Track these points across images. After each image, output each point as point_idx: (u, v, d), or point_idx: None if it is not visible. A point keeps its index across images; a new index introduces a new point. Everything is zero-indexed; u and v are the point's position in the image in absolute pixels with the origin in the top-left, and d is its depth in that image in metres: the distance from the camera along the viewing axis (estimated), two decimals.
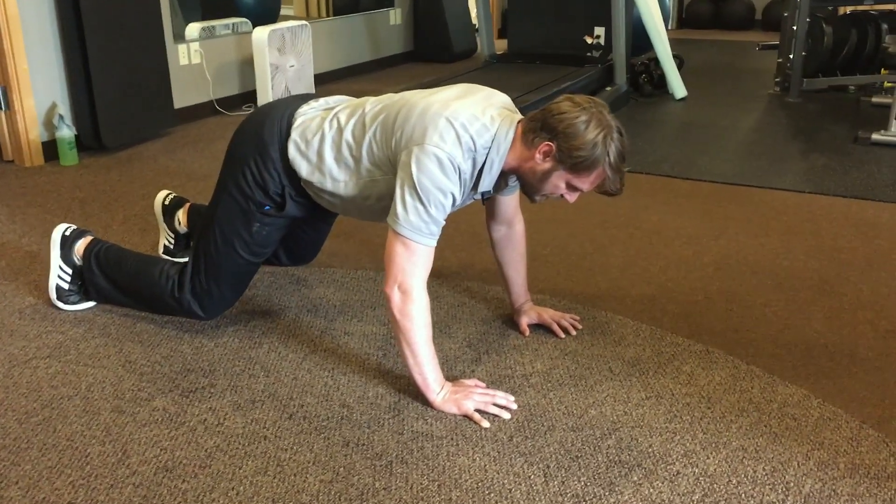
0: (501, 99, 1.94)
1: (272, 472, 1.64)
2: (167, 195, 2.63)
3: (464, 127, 1.78)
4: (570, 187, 1.83)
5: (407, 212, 1.76)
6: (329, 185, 1.97)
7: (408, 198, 1.77)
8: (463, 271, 2.61)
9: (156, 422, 1.80)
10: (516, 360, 2.08)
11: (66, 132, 3.77)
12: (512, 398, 1.88)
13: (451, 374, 1.98)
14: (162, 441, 1.73)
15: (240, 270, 2.14)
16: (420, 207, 1.76)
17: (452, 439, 1.75)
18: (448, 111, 1.79)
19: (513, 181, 2.03)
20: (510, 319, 2.28)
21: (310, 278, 2.56)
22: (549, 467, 1.66)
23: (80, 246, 2.28)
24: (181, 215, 2.58)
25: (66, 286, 2.28)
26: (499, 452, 1.71)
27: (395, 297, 1.80)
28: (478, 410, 1.83)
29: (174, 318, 2.25)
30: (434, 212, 1.77)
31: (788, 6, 5.35)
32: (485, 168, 1.84)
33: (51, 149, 3.82)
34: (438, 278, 2.55)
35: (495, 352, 2.12)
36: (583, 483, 1.61)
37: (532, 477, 1.63)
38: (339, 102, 2.06)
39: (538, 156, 1.79)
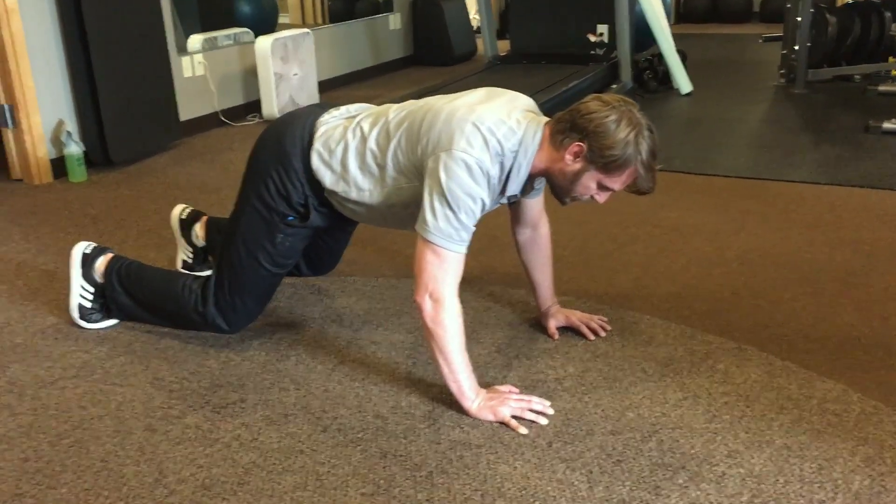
0: (525, 102, 1.92)
1: (312, 487, 1.61)
2: (183, 209, 2.60)
3: (490, 131, 1.76)
4: (602, 187, 1.81)
5: (437, 219, 1.74)
6: (354, 195, 1.95)
7: (437, 205, 1.74)
8: (486, 276, 2.59)
9: (189, 439, 1.77)
10: (548, 363, 2.06)
11: (75, 149, 3.74)
12: (548, 403, 1.86)
13: (483, 381, 1.96)
14: (197, 459, 1.70)
15: (264, 282, 2.12)
16: (450, 214, 1.74)
17: (491, 447, 1.73)
18: (474, 116, 1.77)
19: (538, 183, 2.01)
20: (537, 323, 2.26)
21: (331, 288, 2.54)
22: (591, 472, 1.64)
23: (101, 263, 2.26)
24: (198, 229, 2.56)
25: (88, 304, 2.26)
26: (539, 459, 1.68)
27: (427, 305, 1.77)
28: (514, 417, 1.81)
29: (199, 334, 2.23)
30: (464, 218, 1.75)
31: None
32: (512, 172, 1.82)
33: (59, 166, 3.79)
34: (461, 284, 2.51)
35: (525, 356, 2.10)
36: (628, 487, 1.59)
37: (576, 483, 1.61)
38: (361, 110, 2.03)
39: (568, 157, 1.77)
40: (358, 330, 2.26)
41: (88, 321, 2.27)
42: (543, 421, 1.81)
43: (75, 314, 2.26)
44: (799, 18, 5.16)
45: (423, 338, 2.17)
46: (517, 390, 1.90)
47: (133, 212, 3.30)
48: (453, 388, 1.82)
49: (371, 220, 2.08)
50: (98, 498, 1.59)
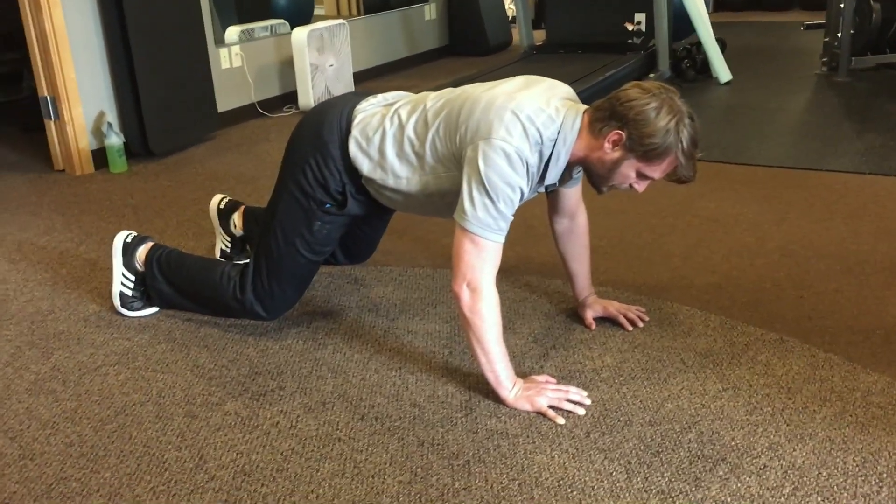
0: (564, 90, 1.90)
1: (350, 474, 1.62)
2: (221, 199, 2.63)
3: (530, 119, 1.74)
4: (641, 176, 1.79)
5: (475, 208, 1.74)
6: (391, 182, 1.95)
7: (475, 193, 1.74)
8: (521, 266, 2.58)
9: (229, 426, 1.79)
10: (585, 354, 2.05)
11: (115, 140, 3.80)
12: (585, 393, 1.85)
13: (520, 371, 1.95)
14: (237, 445, 1.72)
15: (301, 270, 2.13)
16: (488, 203, 1.73)
17: (528, 437, 1.72)
18: (513, 104, 1.76)
19: (577, 172, 1.99)
20: (574, 313, 2.25)
21: (367, 277, 2.55)
22: (630, 463, 1.63)
23: (142, 252, 2.29)
24: (236, 218, 2.58)
25: (129, 293, 2.29)
26: (577, 449, 1.68)
27: (465, 294, 1.77)
28: (551, 407, 1.80)
29: (237, 322, 2.25)
30: (502, 207, 1.74)
31: None
32: (551, 160, 1.80)
33: (100, 157, 3.85)
34: (498, 274, 2.51)
35: (562, 346, 2.09)
36: (667, 479, 1.57)
37: (614, 473, 1.60)
38: (398, 98, 2.03)
39: (607, 145, 1.75)
40: (394, 319, 2.27)
41: (130, 309, 2.30)
42: (580, 411, 1.80)
43: (117, 302, 2.30)
44: (842, 5, 5.05)
45: (459, 327, 2.18)
46: (554, 380, 1.89)
47: (173, 202, 3.34)
48: (490, 377, 1.82)
49: (408, 208, 2.08)
50: (140, 482, 1.61)
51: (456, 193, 1.80)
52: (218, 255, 2.64)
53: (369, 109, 2.00)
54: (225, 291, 2.16)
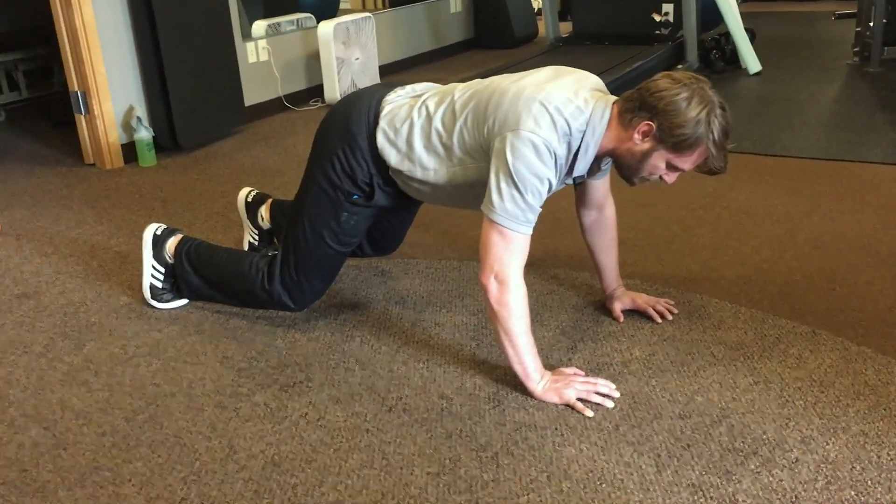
0: (594, 80, 1.89)
1: (378, 466, 1.63)
2: (249, 192, 2.64)
3: (558, 110, 1.73)
4: (671, 167, 1.77)
5: (503, 199, 1.73)
6: (419, 174, 1.95)
7: (503, 185, 1.73)
8: (549, 258, 2.57)
9: (258, 417, 1.80)
10: (613, 346, 2.04)
11: (145, 134, 3.83)
12: (613, 386, 1.84)
13: (548, 363, 1.95)
14: (267, 436, 1.73)
15: (328, 261, 2.14)
16: (516, 195, 1.72)
17: (557, 429, 1.71)
18: (541, 95, 1.75)
19: (605, 164, 1.98)
20: (601, 306, 2.24)
21: (394, 270, 2.55)
22: (660, 456, 1.61)
23: (172, 244, 2.31)
24: (263, 211, 2.59)
25: (159, 284, 2.31)
26: (606, 442, 1.67)
27: (492, 287, 1.77)
28: (580, 399, 1.79)
29: (266, 314, 2.27)
30: (530, 199, 1.73)
31: None
32: (580, 152, 1.79)
33: (130, 151, 3.89)
34: (526, 266, 2.51)
35: (591, 339, 2.08)
36: (697, 472, 1.56)
37: (644, 466, 1.59)
38: (427, 89, 2.03)
39: (637, 136, 1.74)
40: (421, 311, 2.27)
41: (160, 301, 2.33)
42: (609, 404, 1.79)
43: (147, 294, 2.32)
44: None
45: (487, 319, 2.17)
46: (582, 373, 1.88)
47: (201, 195, 3.37)
48: (518, 369, 1.82)
49: (435, 200, 2.07)
50: (172, 472, 1.63)
51: (483, 185, 1.79)
52: (246, 247, 2.65)
53: (397, 101, 2.00)
54: (253, 282, 2.17)
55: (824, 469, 1.55)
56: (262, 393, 1.90)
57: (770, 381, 1.85)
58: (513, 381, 1.87)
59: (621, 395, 1.82)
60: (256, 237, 2.64)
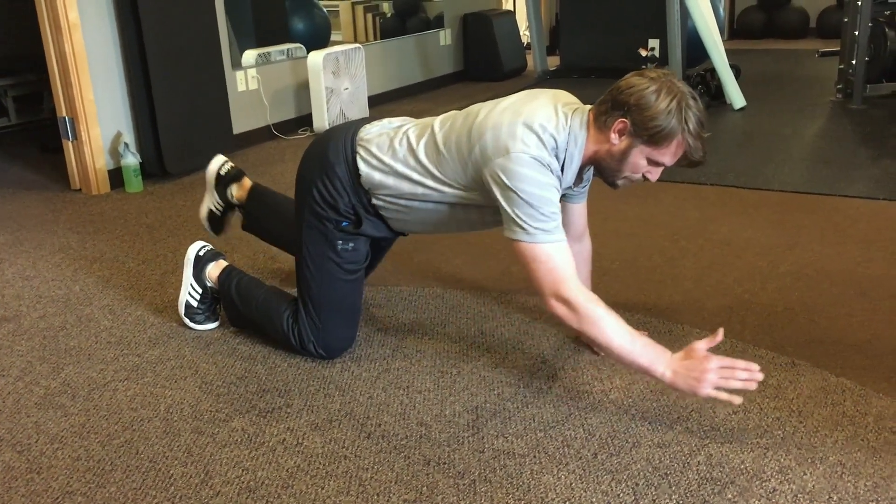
0: (566, 96, 1.93)
1: (354, 492, 1.61)
2: (224, 163, 2.53)
3: (542, 127, 1.77)
4: (652, 163, 1.79)
5: (522, 221, 1.75)
6: (402, 201, 1.96)
7: (516, 209, 1.75)
8: (529, 287, 2.57)
9: (235, 442, 1.79)
10: (593, 375, 2.04)
11: (132, 160, 3.84)
12: (757, 367, 1.68)
13: (529, 391, 1.94)
14: (243, 461, 1.72)
15: (340, 291, 2.09)
16: (532, 212, 1.74)
17: (535, 457, 1.71)
18: (522, 117, 1.78)
19: (587, 173, 1.99)
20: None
21: (377, 297, 2.55)
22: (637, 485, 1.61)
23: (213, 270, 2.30)
24: (235, 189, 2.51)
25: (195, 304, 2.30)
26: (584, 470, 1.66)
27: (560, 309, 1.76)
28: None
29: (247, 339, 2.26)
30: (547, 209, 1.76)
31: (849, 11, 5.23)
32: (566, 163, 1.83)
33: (116, 177, 3.89)
34: (506, 294, 2.52)
35: (571, 367, 2.08)
36: (675, 501, 1.56)
37: (621, 495, 1.58)
38: (404, 122, 2.05)
39: (613, 135, 1.77)
40: (403, 338, 2.27)
41: (192, 321, 2.31)
42: (753, 387, 1.67)
43: (182, 310, 2.31)
44: (857, 32, 5.05)
45: (468, 346, 2.17)
46: (712, 356, 1.71)
47: (187, 221, 3.37)
48: (636, 368, 1.75)
49: (417, 227, 2.08)
50: (146, 497, 1.61)
51: (465, 210, 1.82)
52: (204, 214, 2.58)
53: (374, 131, 2.02)
54: (281, 327, 2.14)
55: (802, 499, 1.55)
56: (241, 418, 1.88)
57: (749, 411, 1.85)
58: (492, 409, 1.86)
59: (601, 423, 1.82)
60: (221, 208, 2.55)
